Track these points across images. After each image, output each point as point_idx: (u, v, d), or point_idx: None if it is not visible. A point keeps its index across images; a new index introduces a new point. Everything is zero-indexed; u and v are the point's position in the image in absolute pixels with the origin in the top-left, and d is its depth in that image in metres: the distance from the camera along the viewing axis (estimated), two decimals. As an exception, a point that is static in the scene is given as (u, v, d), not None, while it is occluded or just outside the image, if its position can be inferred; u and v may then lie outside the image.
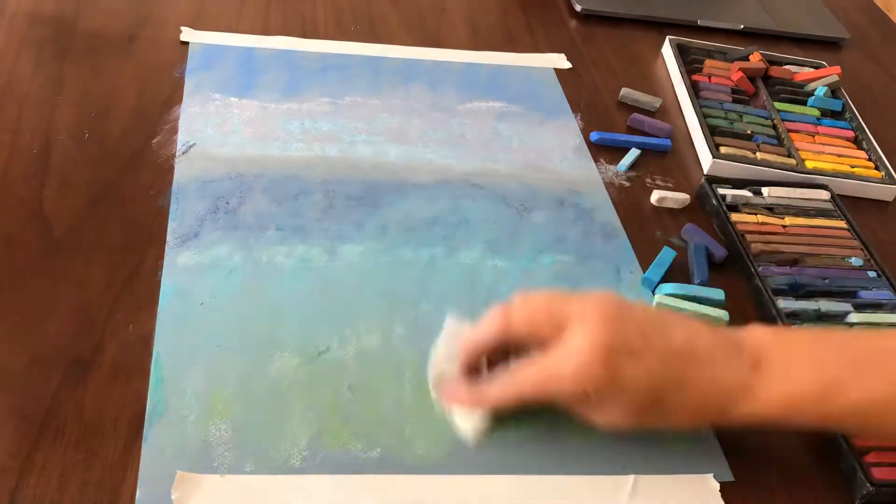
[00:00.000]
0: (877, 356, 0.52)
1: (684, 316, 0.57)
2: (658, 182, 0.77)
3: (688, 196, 0.75)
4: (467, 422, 0.53)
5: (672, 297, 0.64)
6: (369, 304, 0.60)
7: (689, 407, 0.51)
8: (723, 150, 0.80)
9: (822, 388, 0.50)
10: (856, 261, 0.70)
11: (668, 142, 0.81)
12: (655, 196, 0.74)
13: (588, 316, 0.50)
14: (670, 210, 0.74)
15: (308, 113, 0.77)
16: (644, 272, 0.67)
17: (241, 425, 0.52)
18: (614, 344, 0.49)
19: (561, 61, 0.91)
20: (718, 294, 0.65)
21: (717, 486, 0.54)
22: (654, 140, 0.81)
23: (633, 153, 0.79)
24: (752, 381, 0.50)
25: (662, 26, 0.99)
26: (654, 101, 0.86)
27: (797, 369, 0.50)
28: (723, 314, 0.64)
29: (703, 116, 0.84)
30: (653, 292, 0.65)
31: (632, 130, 0.83)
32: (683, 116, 0.86)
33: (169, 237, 0.62)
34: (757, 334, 0.52)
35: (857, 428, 0.54)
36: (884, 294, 0.67)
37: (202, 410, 0.52)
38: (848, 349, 0.53)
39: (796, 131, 0.85)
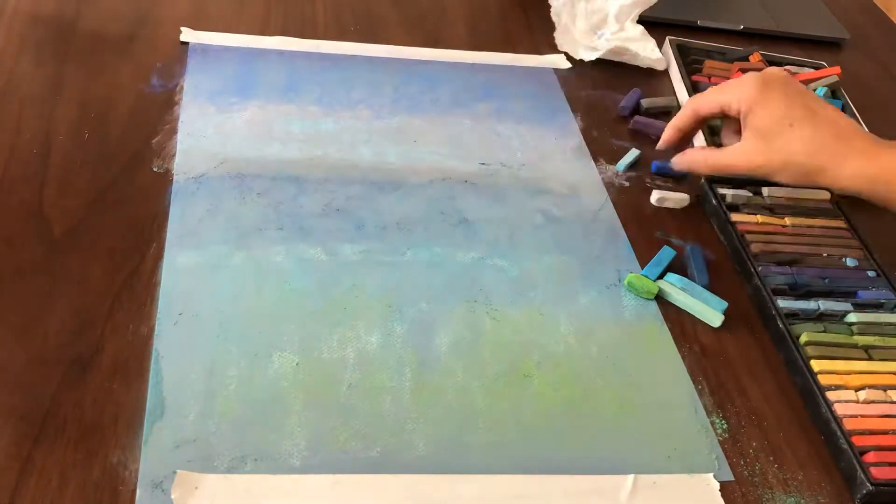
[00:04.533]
0: None
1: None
2: (658, 182, 0.77)
3: (687, 196, 0.75)
4: None
5: (671, 286, 0.65)
6: (369, 304, 0.60)
7: (809, 143, 0.64)
8: (723, 150, 0.80)
9: None
10: (850, 261, 0.70)
11: None
12: (655, 196, 0.74)
13: (760, 103, 0.66)
14: (670, 210, 0.74)
15: (308, 113, 0.77)
16: (643, 272, 0.67)
17: (241, 425, 0.52)
18: (768, 80, 0.67)
19: (561, 61, 0.91)
20: (720, 304, 0.65)
21: (717, 485, 0.54)
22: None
23: (633, 153, 0.79)
24: (874, 148, 0.63)
25: (662, 26, 0.99)
26: (670, 102, 0.86)
27: None
28: (718, 316, 0.64)
29: (702, 116, 0.84)
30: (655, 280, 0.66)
31: (635, 133, 0.83)
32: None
33: (169, 237, 0.62)
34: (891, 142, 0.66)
35: None
36: (883, 294, 0.67)
37: (202, 410, 0.52)
38: None
39: (796, 131, 0.85)
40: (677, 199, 0.74)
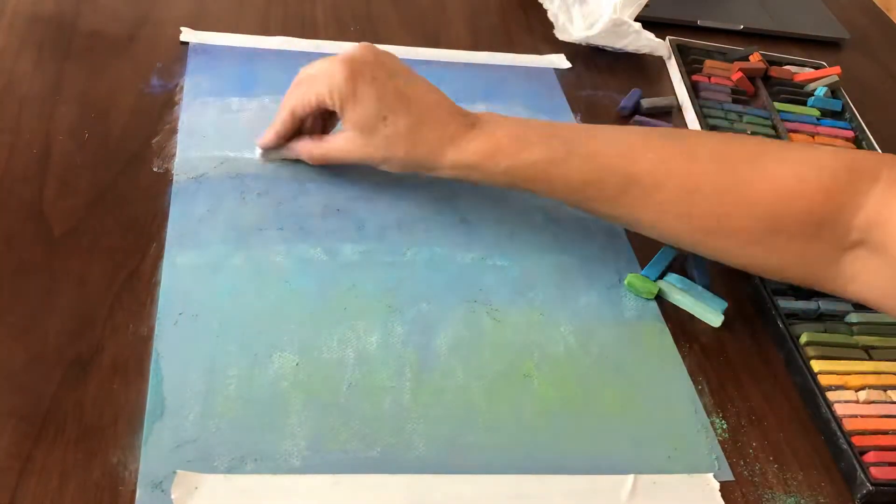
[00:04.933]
0: (568, 132, 0.64)
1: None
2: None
3: None
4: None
5: (671, 286, 0.65)
6: (369, 304, 0.60)
7: (405, 138, 0.63)
8: (723, 150, 0.80)
9: (515, 144, 0.62)
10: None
11: None
12: None
13: (351, 98, 0.63)
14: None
15: (308, 113, 0.76)
16: (643, 272, 0.67)
17: (241, 425, 0.52)
18: (356, 68, 0.63)
19: (561, 61, 0.91)
20: (721, 304, 0.65)
21: (717, 485, 0.54)
22: None
23: None
24: (464, 133, 0.63)
25: (662, 26, 0.99)
26: (671, 101, 0.86)
27: (500, 130, 0.63)
28: (718, 316, 0.64)
29: (703, 117, 0.84)
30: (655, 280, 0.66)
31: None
32: (683, 117, 0.86)
33: (169, 237, 0.62)
34: (487, 113, 0.66)
35: (530, 184, 0.63)
36: (884, 294, 0.67)
37: (202, 410, 0.52)
38: (553, 127, 0.65)
39: (796, 131, 0.85)
40: None
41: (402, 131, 0.63)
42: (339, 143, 0.66)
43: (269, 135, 0.69)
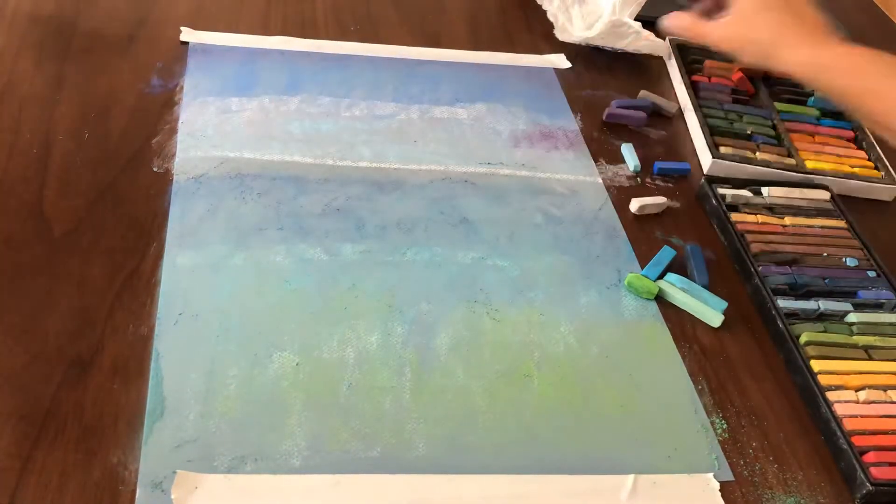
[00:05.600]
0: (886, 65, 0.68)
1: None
2: (658, 182, 0.77)
3: (665, 199, 0.74)
4: None
5: (671, 286, 0.65)
6: (369, 304, 0.60)
7: (775, 26, 0.71)
8: (723, 150, 0.80)
9: (849, 67, 0.69)
10: (850, 261, 0.70)
11: (686, 165, 0.80)
12: (635, 205, 0.73)
13: None
14: (670, 210, 0.74)
15: (308, 113, 0.77)
16: (643, 272, 0.67)
17: (241, 425, 0.52)
18: (754, 5, 0.72)
19: (561, 61, 0.91)
20: (721, 304, 0.65)
21: (717, 485, 0.54)
22: (674, 165, 0.79)
23: (629, 149, 0.79)
24: (826, 42, 0.71)
25: (662, 26, 0.99)
26: (671, 106, 0.86)
27: (861, 56, 0.69)
28: (718, 316, 0.64)
29: (703, 117, 0.84)
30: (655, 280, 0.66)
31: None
32: (683, 117, 0.86)
33: (169, 237, 0.62)
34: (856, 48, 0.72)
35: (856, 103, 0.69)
36: (883, 294, 0.67)
37: (202, 410, 0.52)
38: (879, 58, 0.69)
39: (796, 131, 0.85)
40: (657, 203, 0.73)
41: (773, 21, 0.71)
42: (717, 23, 0.73)
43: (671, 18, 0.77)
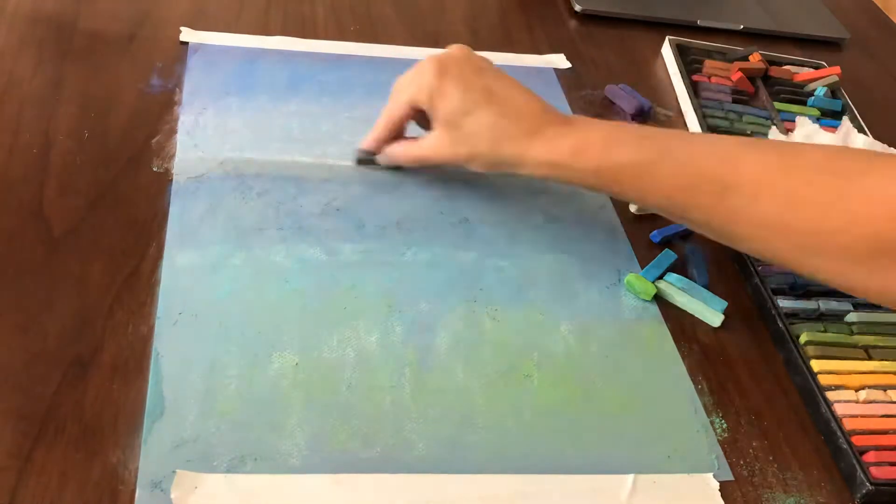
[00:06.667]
0: (663, 136, 0.62)
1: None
2: (658, 182, 0.77)
3: None
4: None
5: (671, 286, 0.65)
6: (369, 304, 0.60)
7: (489, 131, 0.63)
8: (723, 150, 0.80)
9: (606, 143, 0.60)
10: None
11: None
12: (635, 205, 0.73)
13: (439, 93, 0.64)
14: (670, 210, 0.74)
15: (308, 113, 0.77)
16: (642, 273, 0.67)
17: (241, 425, 0.52)
18: (444, 64, 0.64)
19: (561, 61, 0.91)
20: (721, 304, 0.65)
21: (717, 485, 0.54)
22: None
23: None
24: (554, 129, 0.62)
25: (662, 26, 0.99)
26: (667, 112, 0.86)
27: (593, 129, 0.62)
28: (718, 316, 0.64)
29: (703, 117, 0.84)
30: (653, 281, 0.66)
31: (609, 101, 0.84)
32: (683, 117, 0.86)
33: (168, 237, 0.62)
34: (580, 116, 0.66)
35: (619, 186, 0.62)
36: (884, 294, 0.67)
37: (202, 410, 0.52)
38: (646, 130, 0.64)
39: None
40: None
41: (486, 125, 0.63)
42: (429, 142, 0.67)
43: (368, 139, 0.70)
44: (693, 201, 0.58)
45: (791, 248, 0.55)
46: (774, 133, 0.83)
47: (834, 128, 0.86)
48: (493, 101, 0.63)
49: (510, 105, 0.63)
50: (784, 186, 0.55)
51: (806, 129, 0.82)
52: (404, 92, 0.67)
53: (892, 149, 0.82)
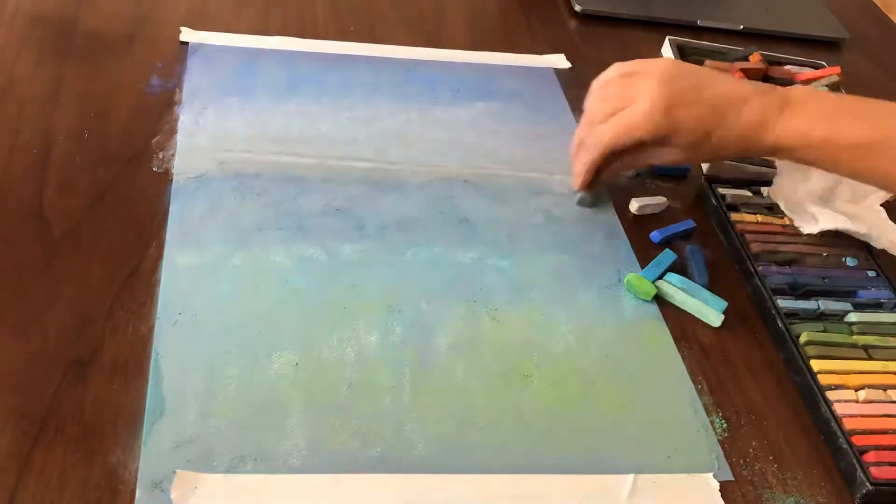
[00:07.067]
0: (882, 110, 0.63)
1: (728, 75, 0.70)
2: (658, 182, 0.77)
3: (665, 199, 0.74)
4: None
5: (671, 286, 0.65)
6: (369, 304, 0.60)
7: (730, 142, 0.65)
8: (722, 149, 0.80)
9: (828, 125, 0.62)
10: (851, 261, 0.70)
11: (686, 166, 0.79)
12: (635, 205, 0.73)
13: (651, 82, 0.65)
14: (670, 210, 0.74)
15: (307, 113, 0.77)
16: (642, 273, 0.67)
17: (241, 425, 0.52)
18: (672, 98, 0.64)
19: (561, 61, 0.91)
20: (721, 304, 0.65)
21: (717, 485, 0.54)
22: (675, 165, 0.78)
23: None
24: (776, 116, 0.63)
25: (662, 26, 0.99)
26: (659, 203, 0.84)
27: (812, 107, 0.63)
28: (718, 316, 0.64)
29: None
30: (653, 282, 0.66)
31: None
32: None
33: (168, 237, 0.62)
34: (794, 87, 0.66)
35: (852, 166, 0.63)
36: (883, 293, 0.67)
37: (202, 410, 0.52)
38: (867, 104, 0.64)
39: (796, 131, 0.85)
40: (656, 203, 0.73)
41: (728, 138, 0.65)
42: (668, 158, 0.68)
43: (581, 178, 0.71)
44: None
45: None
46: None
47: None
48: (724, 115, 0.65)
49: (736, 110, 0.65)
50: None
51: None
52: (626, 131, 0.66)
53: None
